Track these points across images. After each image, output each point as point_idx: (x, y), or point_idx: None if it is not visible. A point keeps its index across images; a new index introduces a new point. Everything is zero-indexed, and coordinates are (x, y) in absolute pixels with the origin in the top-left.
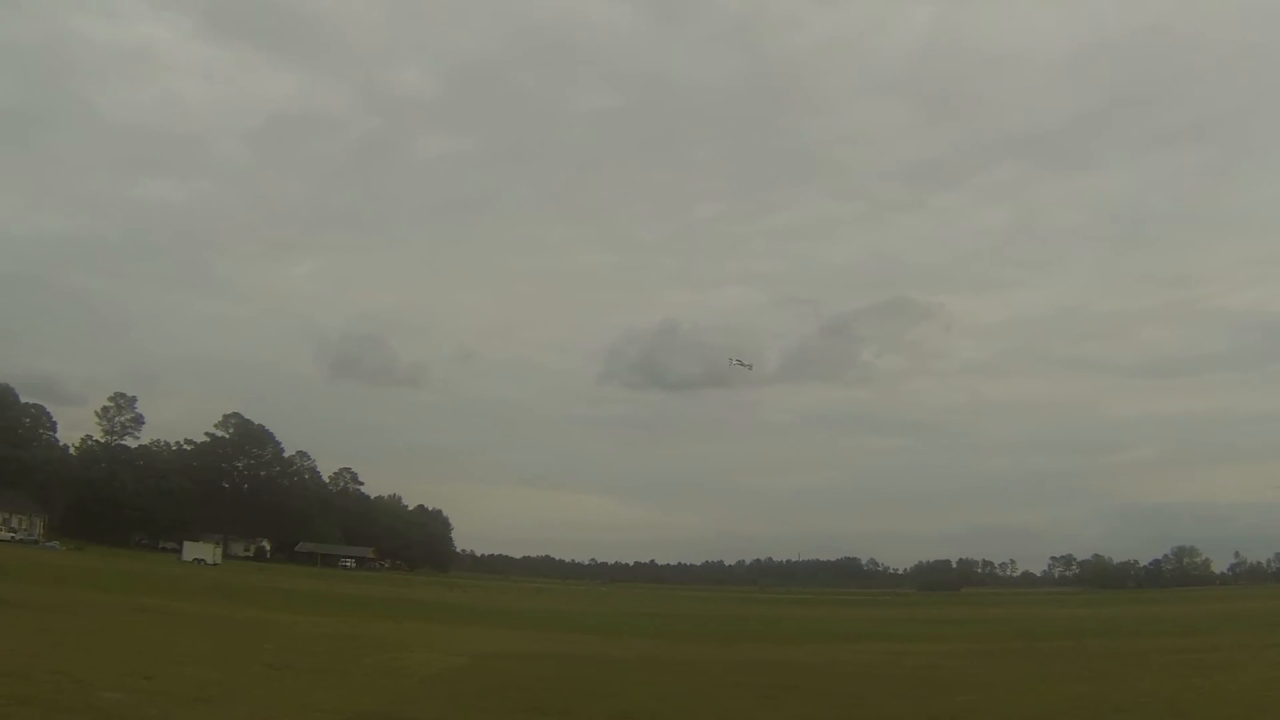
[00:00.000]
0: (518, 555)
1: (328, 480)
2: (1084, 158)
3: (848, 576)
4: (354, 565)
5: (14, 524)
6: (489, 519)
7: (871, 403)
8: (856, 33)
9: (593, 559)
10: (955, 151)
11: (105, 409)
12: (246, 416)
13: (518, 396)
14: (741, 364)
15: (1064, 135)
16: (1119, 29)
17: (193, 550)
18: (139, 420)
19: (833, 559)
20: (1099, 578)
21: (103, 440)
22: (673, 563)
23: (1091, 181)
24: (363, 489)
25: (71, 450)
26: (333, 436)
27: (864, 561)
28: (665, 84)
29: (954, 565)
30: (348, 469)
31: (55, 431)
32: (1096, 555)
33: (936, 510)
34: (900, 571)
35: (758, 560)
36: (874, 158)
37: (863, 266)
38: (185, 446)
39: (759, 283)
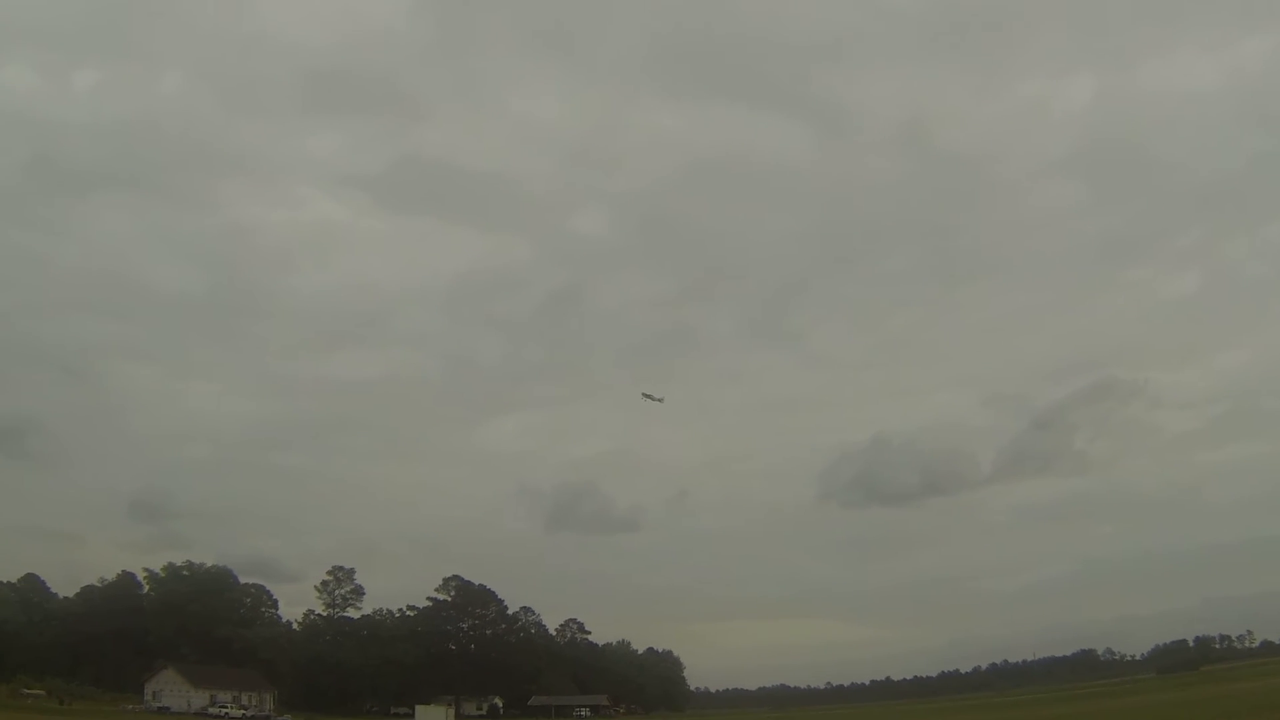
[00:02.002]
0: (752, 687)
1: (554, 632)
2: (1267, 203)
3: (1085, 669)
4: (588, 714)
5: (244, 701)
6: (720, 654)
7: (1090, 489)
8: (1021, 116)
9: (828, 682)
10: (1138, 221)
11: (325, 583)
12: (466, 578)
13: (736, 528)
14: (652, 398)
15: (1244, 184)
16: None
17: (425, 714)
18: (359, 591)
19: (1068, 653)
20: None
21: (325, 613)
22: (908, 677)
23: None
24: (590, 637)
25: (295, 625)
26: (555, 588)
27: (1100, 651)
28: (843, 197)
29: (1191, 644)
30: (574, 619)
31: (277, 609)
32: None
33: (1167, 589)
34: (1137, 657)
35: (993, 664)
36: (1058, 241)
37: (1064, 353)
38: (408, 612)
39: (965, 384)
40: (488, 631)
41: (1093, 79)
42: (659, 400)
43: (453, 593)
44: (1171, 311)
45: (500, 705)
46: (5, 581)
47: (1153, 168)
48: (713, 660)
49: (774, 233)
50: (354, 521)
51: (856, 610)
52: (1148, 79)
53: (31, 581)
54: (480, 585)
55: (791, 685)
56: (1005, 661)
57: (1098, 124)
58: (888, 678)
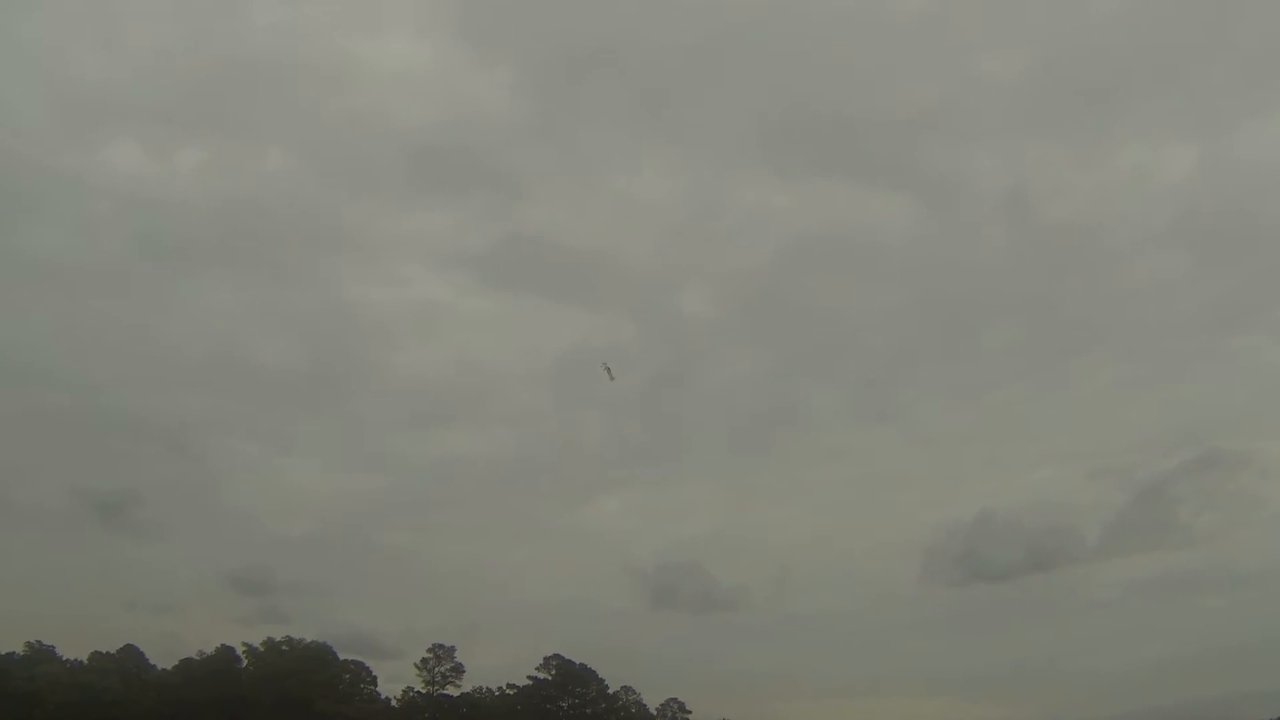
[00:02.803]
0: None
1: (655, 711)
2: None
3: None
4: None
5: None
6: None
7: (1197, 563)
8: (1123, 187)
9: None
10: (1241, 289)
11: (425, 660)
12: (567, 657)
13: (839, 607)
14: (610, 374)
15: None
16: None
17: None
18: (459, 669)
19: None
20: None
21: (424, 690)
22: None
23: None
24: (691, 717)
25: (394, 702)
26: (657, 668)
27: None
28: (945, 271)
29: None
30: (675, 699)
31: (376, 685)
32: None
33: (1277, 664)
34: None
35: None
36: (1160, 311)
37: (1168, 425)
38: (508, 691)
39: (1068, 459)
40: (588, 710)
41: (1194, 146)
42: (612, 379)
43: (553, 671)
44: (1276, 380)
45: None
46: (105, 652)
47: (1257, 233)
48: None
49: (877, 308)
50: (455, 599)
51: (958, 689)
52: (1249, 144)
53: (130, 653)
54: (581, 664)
55: None
56: None
57: (1200, 191)
58: None
